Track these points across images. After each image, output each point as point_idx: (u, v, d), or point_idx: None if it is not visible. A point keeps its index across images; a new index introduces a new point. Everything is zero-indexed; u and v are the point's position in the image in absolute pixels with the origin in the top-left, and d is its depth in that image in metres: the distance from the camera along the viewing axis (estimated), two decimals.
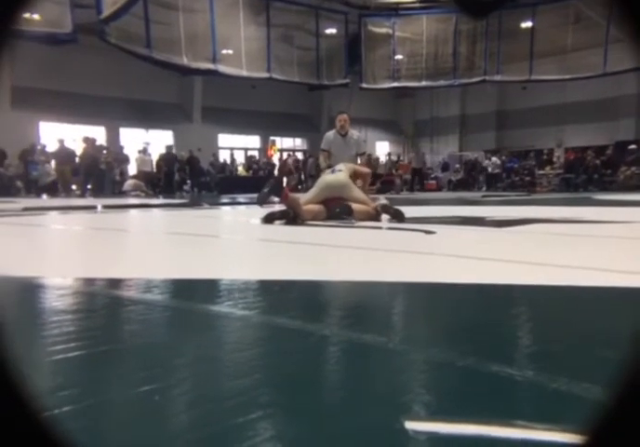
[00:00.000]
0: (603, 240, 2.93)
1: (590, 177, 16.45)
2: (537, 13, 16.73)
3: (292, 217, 4.10)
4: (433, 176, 19.63)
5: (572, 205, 7.34)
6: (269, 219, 4.14)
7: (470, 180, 19.67)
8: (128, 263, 2.27)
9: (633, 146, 16.51)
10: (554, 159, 18.33)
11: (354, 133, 5.53)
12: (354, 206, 4.24)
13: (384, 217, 4.24)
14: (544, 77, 17.29)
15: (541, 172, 18.07)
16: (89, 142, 13.92)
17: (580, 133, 19.73)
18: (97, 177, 14.10)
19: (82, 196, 13.18)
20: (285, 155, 20.88)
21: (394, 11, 17.54)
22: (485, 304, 1.44)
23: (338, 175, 4.52)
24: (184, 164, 16.76)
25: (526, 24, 17.17)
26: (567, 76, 16.86)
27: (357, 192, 4.38)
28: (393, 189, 15.98)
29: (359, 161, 5.52)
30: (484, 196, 11.60)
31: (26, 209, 6.73)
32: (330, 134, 5.49)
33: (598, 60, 16.17)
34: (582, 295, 1.51)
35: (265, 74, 15.97)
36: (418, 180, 18.43)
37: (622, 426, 0.36)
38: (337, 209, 4.22)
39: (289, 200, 4.17)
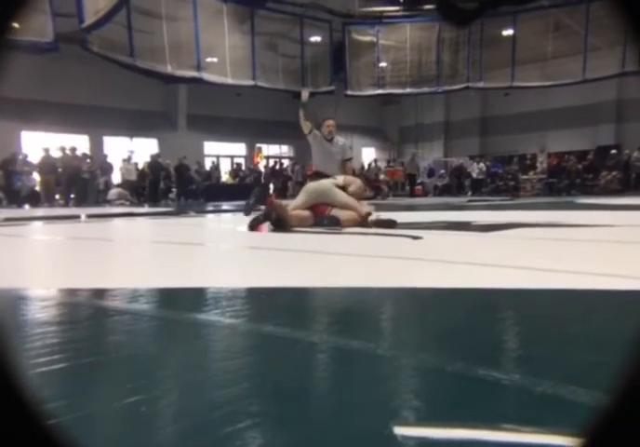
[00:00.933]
0: (586, 244, 2.97)
1: (572, 181, 16.69)
2: (517, 21, 17.01)
3: (276, 219, 4.10)
4: (419, 181, 19.75)
5: (555, 209, 7.44)
6: (254, 225, 4.14)
7: (455, 185, 19.84)
8: (113, 272, 2.25)
9: (614, 151, 16.82)
10: (537, 164, 18.57)
11: (340, 139, 5.56)
12: (341, 213, 4.25)
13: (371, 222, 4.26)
14: (526, 84, 17.56)
15: (525, 177, 18.29)
16: (67, 151, 13.77)
17: (562, 138, 20.04)
18: (79, 186, 13.94)
19: (65, 205, 13.02)
20: (271, 162, 20.87)
21: (378, 20, 17.72)
22: (472, 308, 1.45)
23: (322, 182, 4.54)
24: (169, 172, 16.66)
25: (508, 32, 17.45)
26: (548, 83, 17.14)
27: (342, 196, 4.39)
28: (380, 195, 16.05)
29: (347, 166, 5.52)
30: (469, 201, 11.70)
31: (8, 219, 6.63)
32: (318, 133, 5.47)
33: (578, 67, 16.48)
34: (567, 299, 1.52)
35: (250, 82, 15.99)
36: (410, 186, 18.57)
37: (615, 429, 0.36)
38: (325, 222, 4.24)
39: (274, 206, 4.17)
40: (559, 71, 16.80)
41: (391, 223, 4.09)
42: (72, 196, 13.78)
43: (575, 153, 18.11)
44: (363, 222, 4.23)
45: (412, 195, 17.97)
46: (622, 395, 0.37)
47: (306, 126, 5.45)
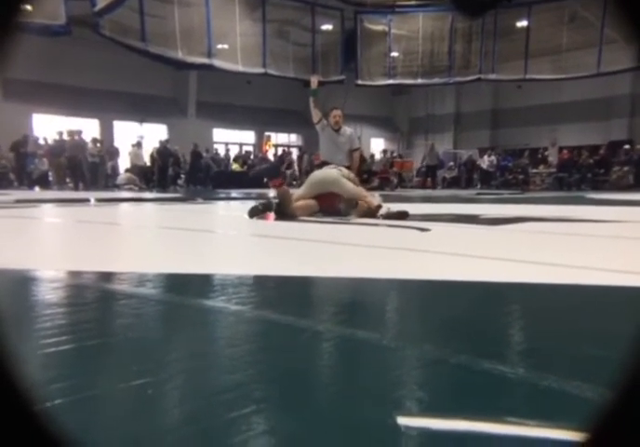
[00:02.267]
0: (595, 239, 2.95)
1: (583, 176, 16.54)
2: (532, 12, 16.76)
3: (276, 208, 4.10)
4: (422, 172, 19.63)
5: (565, 204, 7.38)
6: (253, 213, 4.13)
7: (465, 178, 19.71)
8: (121, 256, 2.27)
9: (627, 146, 16.62)
10: (549, 158, 18.42)
11: (347, 129, 5.54)
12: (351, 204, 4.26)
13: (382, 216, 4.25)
14: (539, 77, 17.34)
15: (535, 171, 18.15)
16: (71, 134, 13.81)
17: (574, 132, 19.82)
18: (81, 170, 13.95)
19: (74, 189, 13.10)
20: (280, 150, 20.83)
21: (391, 8, 17.51)
22: (478, 301, 1.44)
23: (328, 171, 4.52)
24: (178, 158, 16.68)
25: (522, 23, 17.21)
26: (562, 76, 16.92)
27: (349, 186, 4.37)
28: (389, 186, 15.99)
29: (354, 156, 5.52)
30: (478, 194, 11.64)
31: (18, 200, 6.68)
32: (326, 123, 5.47)
33: (592, 60, 16.24)
34: (575, 293, 1.52)
35: (261, 70, 15.92)
36: (432, 177, 17.95)
37: (618, 425, 0.36)
38: (341, 209, 4.23)
39: (281, 191, 4.16)
40: (573, 63, 16.56)
41: (402, 215, 4.07)
42: (68, 180, 13.87)
43: (586, 147, 17.92)
44: (372, 212, 4.22)
45: (432, 186, 17.31)
46: (626, 390, 0.37)
47: (316, 114, 5.44)
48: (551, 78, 17.30)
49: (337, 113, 5.40)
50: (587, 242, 2.82)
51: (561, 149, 18.05)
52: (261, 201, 4.34)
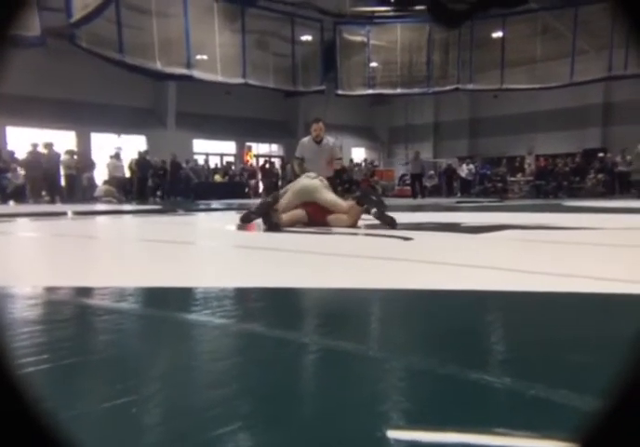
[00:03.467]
0: (574, 246, 3.00)
1: (559, 184, 16.87)
2: (507, 24, 17.17)
3: (269, 219, 4.06)
4: (407, 182, 19.80)
5: (543, 211, 7.51)
6: (246, 219, 4.09)
7: (444, 186, 19.93)
8: (101, 271, 2.23)
9: (601, 154, 17.03)
10: (525, 166, 18.75)
11: (330, 140, 5.59)
12: (336, 219, 4.23)
13: (363, 223, 4.26)
14: (515, 86, 17.72)
15: (513, 179, 18.45)
16: (47, 147, 13.65)
17: (550, 141, 20.24)
18: (55, 183, 13.76)
19: (51, 202, 12.87)
20: (261, 160, 20.83)
21: (369, 20, 17.77)
22: (462, 310, 1.45)
23: (311, 180, 4.52)
24: (159, 169, 16.53)
25: (497, 34, 17.60)
26: (537, 86, 17.32)
27: (330, 196, 4.37)
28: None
29: (335, 164, 5.58)
30: (458, 202, 11.77)
31: None
32: (305, 140, 5.56)
33: (565, 70, 16.67)
34: (557, 301, 1.54)
35: (240, 80, 15.94)
36: (418, 186, 17.86)
37: (608, 434, 0.36)
38: (368, 196, 4.20)
39: (266, 203, 4.14)
40: (547, 73, 16.98)
41: (392, 222, 4.10)
42: (44, 193, 13.69)
43: (562, 155, 18.31)
44: (353, 224, 4.23)
45: (421, 194, 16.98)
46: (615, 399, 0.37)
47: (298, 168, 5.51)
48: (526, 88, 17.69)
49: (317, 126, 5.44)
50: (566, 250, 2.87)
51: (538, 157, 18.41)
52: (255, 207, 4.29)
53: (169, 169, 16.56)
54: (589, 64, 16.36)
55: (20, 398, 0.39)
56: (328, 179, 5.01)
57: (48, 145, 13.79)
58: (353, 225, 4.23)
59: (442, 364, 0.90)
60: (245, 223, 4.12)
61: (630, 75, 15.51)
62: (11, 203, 12.73)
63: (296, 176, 5.51)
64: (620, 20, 0.37)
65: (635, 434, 0.35)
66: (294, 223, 4.22)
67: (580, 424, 0.37)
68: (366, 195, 4.27)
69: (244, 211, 4.34)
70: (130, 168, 16.02)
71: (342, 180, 18.74)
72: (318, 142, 5.42)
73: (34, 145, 13.79)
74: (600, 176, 16.31)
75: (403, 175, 20.49)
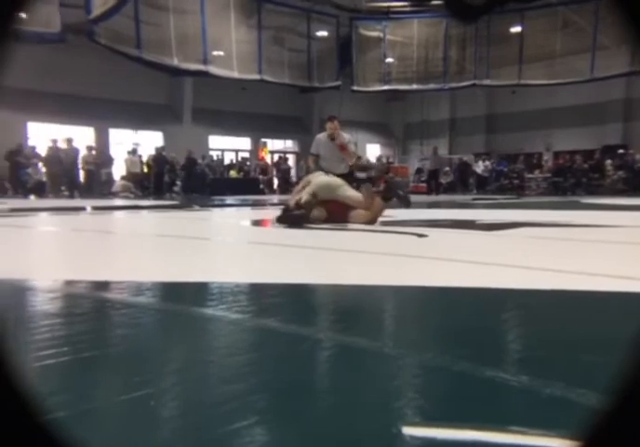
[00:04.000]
0: (591, 244, 2.96)
1: (578, 181, 16.61)
2: (525, 18, 16.89)
3: (299, 218, 4.04)
4: (423, 179, 19.67)
5: (560, 209, 7.41)
6: (283, 219, 4.05)
7: (460, 183, 19.75)
8: (119, 265, 2.26)
9: (621, 151, 16.72)
10: (543, 163, 18.49)
11: (345, 137, 5.57)
12: (356, 215, 4.22)
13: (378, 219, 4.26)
14: (533, 82, 17.45)
15: (530, 176, 18.22)
16: (68, 142, 13.84)
17: (569, 137, 19.93)
18: (73, 178, 13.95)
19: (70, 197, 13.06)
20: (276, 156, 20.87)
21: (385, 15, 17.62)
22: (477, 307, 1.44)
23: (333, 177, 4.50)
24: (174, 165, 16.66)
25: (515, 29, 17.34)
26: (555, 81, 17.04)
27: (351, 191, 4.36)
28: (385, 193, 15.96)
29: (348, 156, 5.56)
30: (474, 200, 11.66)
31: (13, 209, 6.65)
32: (321, 137, 5.54)
33: (585, 65, 16.36)
34: (572, 299, 1.52)
35: (256, 76, 15.96)
36: (434, 182, 17.48)
37: (619, 433, 0.36)
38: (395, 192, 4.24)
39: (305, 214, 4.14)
40: (567, 69, 16.68)
41: (405, 199, 4.16)
42: (63, 188, 13.88)
43: (581, 152, 18.02)
44: (374, 219, 4.21)
45: (436, 192, 16.80)
46: (625, 397, 0.37)
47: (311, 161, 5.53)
48: (545, 83, 17.41)
49: (331, 125, 5.41)
50: (584, 247, 2.83)
51: (556, 154, 18.14)
52: (297, 212, 4.20)
53: (185, 165, 16.67)
54: (610, 59, 16.03)
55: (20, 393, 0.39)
56: (343, 176, 5.00)
57: (68, 141, 13.98)
58: (374, 221, 4.21)
59: (456, 361, 0.90)
60: (283, 223, 4.05)
61: None
62: (32, 197, 12.94)
63: (309, 172, 5.51)
64: (617, 20, 0.37)
65: None
66: (316, 221, 4.20)
67: (589, 421, 0.37)
68: (392, 188, 4.30)
69: (281, 210, 4.26)
70: (147, 163, 16.18)
71: (361, 166, 18.73)
72: (333, 139, 5.42)
73: (54, 141, 13.99)
74: (620, 173, 16.01)
75: (418, 169, 20.36)
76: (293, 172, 19.68)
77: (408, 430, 0.65)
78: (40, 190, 13.92)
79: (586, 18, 16.28)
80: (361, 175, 5.28)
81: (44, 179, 14.25)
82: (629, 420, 0.36)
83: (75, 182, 13.94)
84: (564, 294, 1.56)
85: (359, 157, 6.84)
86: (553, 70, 16.97)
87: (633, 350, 0.41)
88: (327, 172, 4.82)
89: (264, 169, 19.03)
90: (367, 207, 4.21)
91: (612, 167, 16.16)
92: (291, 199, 4.43)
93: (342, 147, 5.35)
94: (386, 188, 4.39)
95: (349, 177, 5.45)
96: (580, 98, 18.94)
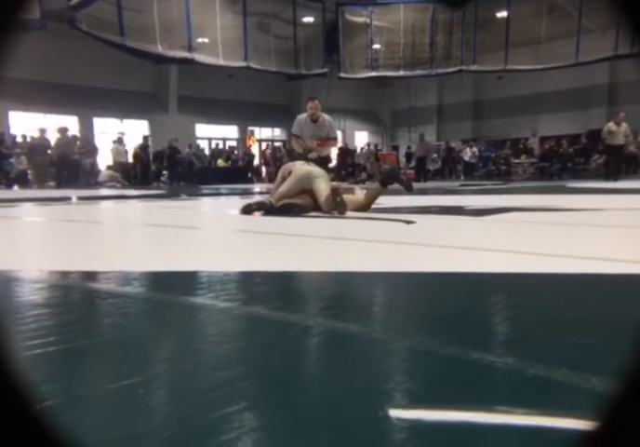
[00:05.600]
0: (577, 228, 2.99)
1: (564, 165, 16.75)
2: (512, 3, 16.86)
3: (269, 208, 4.07)
4: (411, 165, 19.70)
5: (547, 193, 7.48)
6: (247, 210, 4.12)
7: (447, 169, 19.81)
8: (106, 255, 2.24)
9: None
10: (528, 147, 18.60)
11: (326, 118, 5.55)
12: (346, 197, 4.21)
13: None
14: (519, 67, 17.49)
15: (517, 161, 18.34)
16: (62, 132, 13.64)
17: (555, 122, 20.05)
18: (70, 168, 13.82)
19: (57, 187, 12.90)
20: (264, 145, 20.75)
21: (372, 0, 17.47)
22: (465, 292, 1.46)
23: (313, 168, 4.45)
24: (160, 154, 16.51)
25: (502, 14, 17.31)
26: (541, 66, 17.09)
27: (323, 184, 4.20)
28: (373, 178, 16.02)
29: (329, 143, 5.58)
30: (462, 186, 11.72)
31: None
32: (302, 117, 5.53)
33: (570, 50, 16.42)
34: (559, 282, 1.54)
35: (242, 63, 15.79)
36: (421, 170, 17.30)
37: (617, 416, 0.37)
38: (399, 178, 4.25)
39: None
40: (552, 54, 16.73)
41: (408, 184, 4.20)
42: (49, 178, 13.74)
43: (567, 136, 18.15)
44: (367, 206, 4.21)
45: (424, 179, 16.80)
46: (623, 385, 0.37)
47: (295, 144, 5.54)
48: (531, 69, 17.46)
49: (313, 104, 5.41)
50: (571, 231, 2.86)
51: (543, 139, 18.25)
52: (257, 200, 4.31)
53: (167, 154, 16.49)
54: (595, 44, 16.10)
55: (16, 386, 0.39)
56: (323, 160, 5.04)
57: (62, 130, 13.74)
58: (367, 208, 4.20)
59: (444, 345, 0.91)
60: (246, 213, 4.12)
61: (636, 54, 15.27)
62: (15, 188, 12.76)
63: (294, 154, 5.51)
64: (613, 4, 0.37)
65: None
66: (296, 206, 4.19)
67: (578, 401, 0.38)
68: (392, 174, 4.30)
69: (247, 201, 4.35)
70: (134, 153, 16.01)
71: (346, 163, 18.72)
72: (315, 120, 5.39)
73: (42, 130, 13.74)
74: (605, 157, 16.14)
75: (407, 155, 20.32)
76: None
77: (396, 413, 0.66)
78: (23, 180, 13.73)
79: (571, 2, 16.29)
80: (312, 155, 5.37)
81: (27, 169, 14.05)
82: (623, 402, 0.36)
83: (72, 171, 13.78)
84: (551, 277, 1.58)
85: (348, 151, 6.92)
86: (539, 55, 17.02)
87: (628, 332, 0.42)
88: (308, 160, 4.82)
89: (251, 158, 18.94)
90: (329, 204, 4.03)
91: (598, 153, 16.29)
92: (273, 191, 4.42)
93: (322, 144, 5.38)
94: (386, 173, 4.39)
95: (328, 162, 5.51)
96: (565, 83, 19.03)
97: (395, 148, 20.95)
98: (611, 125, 11.66)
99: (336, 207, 4.01)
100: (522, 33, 16.79)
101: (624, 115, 11.87)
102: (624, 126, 11.58)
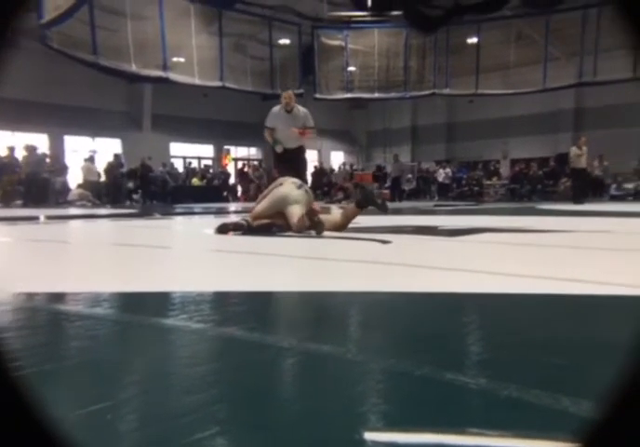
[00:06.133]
0: (548, 249, 3.06)
1: (533, 188, 17.19)
2: (481, 30, 17.45)
3: (246, 228, 4.04)
4: (386, 186, 19.93)
5: (518, 214, 7.64)
6: (222, 230, 4.08)
7: (422, 189, 20.12)
8: (75, 276, 2.18)
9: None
10: (500, 170, 19.05)
11: (300, 109, 5.55)
12: (322, 216, 4.22)
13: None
14: (489, 91, 18.02)
15: (489, 182, 18.75)
16: (30, 150, 13.38)
17: (525, 145, 20.63)
18: (39, 187, 13.52)
19: (25, 206, 12.59)
20: (240, 164, 20.73)
21: (347, 24, 17.85)
22: (439, 312, 1.47)
23: (296, 190, 4.32)
24: (133, 173, 16.32)
25: (472, 40, 17.89)
26: (510, 91, 17.65)
27: (297, 210, 4.09)
28: (350, 198, 16.13)
29: (306, 133, 5.53)
30: (436, 206, 11.90)
31: None
32: (275, 110, 5.52)
33: (538, 76, 17.03)
34: (531, 303, 1.57)
35: (218, 83, 15.84)
36: (396, 189, 17.65)
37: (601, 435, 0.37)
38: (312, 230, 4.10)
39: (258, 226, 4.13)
40: (520, 79, 17.31)
41: (383, 206, 4.29)
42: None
43: (537, 159, 18.68)
44: (343, 226, 4.22)
45: (399, 198, 17.01)
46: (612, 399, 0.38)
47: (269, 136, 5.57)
48: (500, 93, 18.00)
49: (287, 94, 5.47)
50: (541, 252, 2.92)
51: (513, 162, 18.70)
52: (233, 221, 4.29)
53: (139, 173, 16.31)
54: (560, 71, 16.75)
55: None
56: (297, 151, 5.17)
57: (30, 148, 13.47)
58: (343, 228, 4.21)
59: (419, 366, 0.91)
60: (221, 233, 4.07)
61: (599, 82, 15.94)
62: None
63: (271, 146, 5.58)
64: (620, 22, 0.38)
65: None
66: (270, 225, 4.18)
67: (550, 422, 0.38)
68: (367, 198, 4.34)
69: (222, 220, 4.32)
70: (105, 170, 15.79)
71: (322, 183, 18.81)
72: (289, 110, 5.40)
73: (11, 149, 13.46)
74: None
75: (382, 175, 20.51)
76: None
77: (371, 436, 0.65)
78: None
79: (538, 30, 16.97)
80: (278, 149, 5.48)
81: None
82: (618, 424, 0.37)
83: (43, 190, 13.48)
84: (523, 298, 1.60)
85: (323, 171, 7.05)
86: (508, 80, 17.59)
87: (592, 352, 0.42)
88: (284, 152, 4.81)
89: (227, 177, 18.89)
90: (299, 227, 3.98)
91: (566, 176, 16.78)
92: (254, 208, 4.39)
93: (302, 133, 5.40)
94: (362, 196, 4.43)
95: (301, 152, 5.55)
96: (533, 107, 19.68)
97: (381, 169, 21.04)
98: (575, 149, 12.05)
99: (313, 226, 4.01)
100: (492, 58, 17.36)
101: (585, 139, 12.28)
102: (584, 149, 11.97)
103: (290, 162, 5.45)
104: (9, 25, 0.39)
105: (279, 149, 5.47)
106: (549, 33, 16.62)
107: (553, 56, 17.05)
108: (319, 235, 3.90)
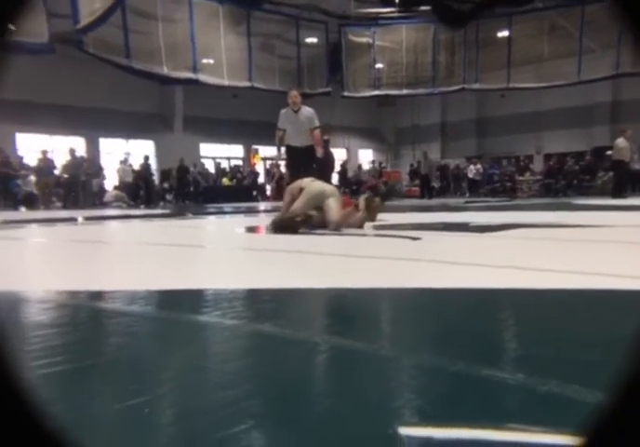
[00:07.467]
0: (583, 244, 2.98)
1: (569, 182, 16.73)
2: (513, 23, 17.07)
3: (299, 224, 4.03)
4: (416, 183, 19.75)
5: (553, 210, 7.46)
6: (276, 226, 4.03)
7: (451, 186, 19.84)
8: (113, 275, 2.24)
9: (609, 152, 16.86)
10: (531, 165, 18.62)
11: (307, 109, 5.75)
12: (343, 212, 4.22)
13: (367, 225, 4.25)
14: (521, 85, 17.61)
15: (522, 178, 18.36)
16: (72, 153, 13.84)
17: (559, 139, 20.11)
18: (77, 189, 13.96)
19: (64, 208, 12.99)
20: (268, 163, 20.88)
21: (374, 21, 17.74)
22: (473, 308, 1.45)
23: (325, 185, 4.45)
24: (167, 174, 16.66)
25: (503, 34, 17.52)
26: (543, 84, 17.21)
27: (336, 204, 4.21)
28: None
29: (314, 134, 5.78)
30: (466, 202, 11.72)
31: (5, 221, 6.60)
32: (284, 111, 5.77)
33: (572, 68, 16.55)
34: (567, 298, 1.53)
35: (247, 84, 15.99)
36: (427, 186, 17.48)
37: (619, 428, 0.36)
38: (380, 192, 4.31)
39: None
40: (554, 72, 16.86)
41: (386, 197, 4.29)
42: (54, 199, 13.88)
43: (572, 154, 18.17)
44: (361, 223, 4.21)
45: (429, 196, 16.76)
46: (623, 394, 0.37)
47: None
48: (533, 87, 17.58)
49: (292, 93, 5.64)
50: (577, 247, 2.85)
51: (547, 157, 18.24)
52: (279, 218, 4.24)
53: (176, 174, 16.64)
54: (596, 62, 16.24)
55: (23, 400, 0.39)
56: (307, 151, 5.34)
57: (72, 151, 13.95)
58: (366, 222, 4.23)
59: (453, 361, 0.90)
60: (276, 230, 4.06)
61: (637, 73, 15.38)
62: (22, 209, 12.85)
63: (281, 143, 5.69)
64: (618, 20, 0.38)
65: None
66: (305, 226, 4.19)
67: (591, 418, 0.37)
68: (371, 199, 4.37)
69: (272, 218, 4.28)
70: (139, 172, 16.17)
71: (350, 181, 18.78)
72: (296, 111, 5.59)
73: (44, 152, 13.92)
74: (611, 174, 16.13)
75: (412, 173, 20.35)
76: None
77: (405, 430, 0.65)
78: (31, 201, 13.83)
79: (572, 22, 16.49)
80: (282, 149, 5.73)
81: (34, 190, 14.16)
82: (629, 417, 0.36)
83: (79, 192, 13.95)
84: (558, 293, 1.57)
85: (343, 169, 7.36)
86: (541, 73, 17.15)
87: (633, 349, 0.41)
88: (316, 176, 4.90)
89: (256, 177, 19.06)
90: (336, 225, 4.07)
91: (603, 170, 16.29)
92: (282, 210, 4.40)
93: (318, 142, 5.57)
94: (387, 191, 4.51)
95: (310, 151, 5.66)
96: (568, 101, 19.15)
97: (416, 172, 20.85)
98: (622, 140, 11.66)
99: (369, 215, 4.23)
100: (524, 51, 16.96)
101: (632, 132, 11.88)
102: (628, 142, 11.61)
103: (300, 160, 5.67)
104: (9, 25, 0.40)
105: (282, 150, 5.76)
106: (584, 24, 16.12)
107: (587, 48, 16.54)
108: (372, 221, 4.15)
